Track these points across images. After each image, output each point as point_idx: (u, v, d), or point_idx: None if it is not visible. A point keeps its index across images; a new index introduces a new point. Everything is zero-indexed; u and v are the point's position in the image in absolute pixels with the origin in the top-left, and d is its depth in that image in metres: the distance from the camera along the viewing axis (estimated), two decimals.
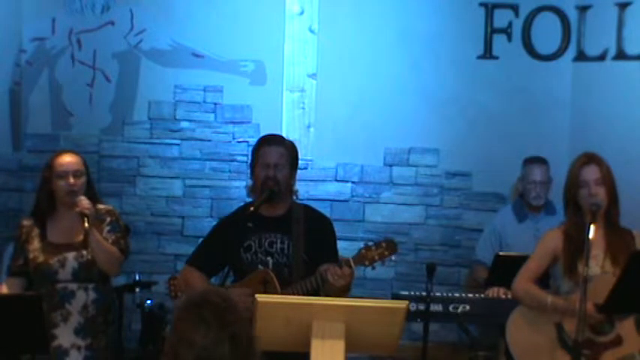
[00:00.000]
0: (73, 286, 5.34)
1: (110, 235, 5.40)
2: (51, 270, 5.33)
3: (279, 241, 5.42)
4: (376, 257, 5.23)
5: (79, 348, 5.33)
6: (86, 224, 5.23)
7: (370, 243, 5.31)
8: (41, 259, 5.36)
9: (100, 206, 5.47)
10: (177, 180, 7.79)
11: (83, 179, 5.39)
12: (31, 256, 5.39)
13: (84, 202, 5.27)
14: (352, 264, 5.20)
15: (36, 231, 5.43)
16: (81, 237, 5.34)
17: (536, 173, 6.71)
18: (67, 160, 5.41)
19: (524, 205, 6.79)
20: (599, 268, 5.20)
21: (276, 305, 4.55)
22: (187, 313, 3.10)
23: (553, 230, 5.40)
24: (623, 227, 5.30)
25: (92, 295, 5.37)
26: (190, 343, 3.04)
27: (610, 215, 5.24)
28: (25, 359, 5.41)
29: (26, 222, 5.50)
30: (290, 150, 5.50)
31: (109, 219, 5.44)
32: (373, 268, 5.28)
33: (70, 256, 5.35)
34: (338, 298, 4.88)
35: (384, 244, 5.26)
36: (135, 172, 7.78)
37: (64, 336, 5.31)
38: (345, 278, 5.18)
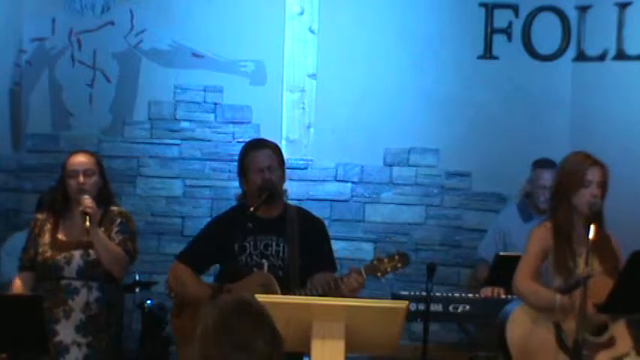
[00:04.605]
0: (77, 283, 5.35)
1: (118, 236, 5.41)
2: (57, 266, 5.35)
3: (274, 243, 5.42)
4: (389, 269, 5.27)
5: (79, 345, 5.33)
6: (87, 223, 5.24)
7: (383, 255, 5.35)
8: (48, 254, 5.38)
9: (114, 208, 5.49)
10: (178, 180, 7.79)
11: (94, 178, 5.41)
12: (40, 250, 5.42)
13: (87, 201, 5.28)
14: (364, 273, 5.22)
15: (48, 225, 5.46)
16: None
17: (546, 178, 6.65)
18: (79, 159, 5.44)
19: (530, 206, 6.77)
20: (589, 267, 5.20)
21: (276, 305, 4.54)
22: (243, 316, 2.99)
23: (540, 228, 5.37)
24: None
25: (95, 293, 5.37)
26: (251, 350, 2.93)
27: (601, 217, 5.25)
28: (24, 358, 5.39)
29: (40, 216, 5.54)
30: (276, 151, 5.50)
31: (119, 220, 5.45)
32: (385, 279, 5.31)
33: (77, 253, 5.36)
34: (338, 298, 4.88)
35: (397, 257, 5.29)
36: (135, 172, 7.78)
37: (65, 332, 5.31)
38: (357, 287, 5.20)
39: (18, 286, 5.46)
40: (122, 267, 5.42)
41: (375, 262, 5.28)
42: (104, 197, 5.43)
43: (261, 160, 5.41)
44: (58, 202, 5.47)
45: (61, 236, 5.43)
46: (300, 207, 5.68)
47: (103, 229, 5.37)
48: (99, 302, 5.37)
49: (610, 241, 5.29)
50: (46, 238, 5.44)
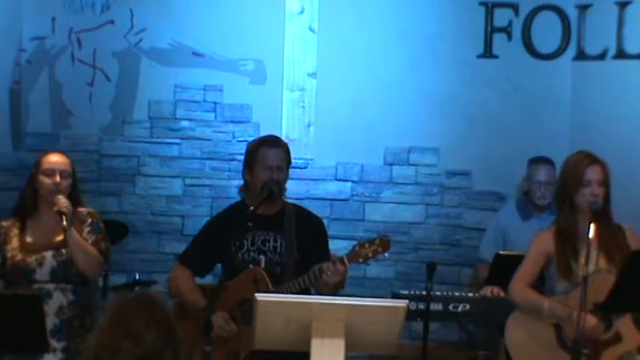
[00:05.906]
0: (50, 286, 5.25)
1: (90, 236, 5.32)
2: (28, 269, 5.25)
3: (272, 239, 5.44)
4: (370, 254, 5.24)
5: (54, 350, 5.23)
6: (64, 222, 5.16)
7: (363, 240, 5.33)
8: (19, 257, 5.28)
9: (81, 209, 5.39)
10: (178, 179, 7.78)
11: (69, 181, 5.33)
12: (9, 255, 5.31)
13: (62, 200, 5.20)
14: (346, 261, 5.22)
15: (15, 231, 5.35)
16: (61, 237, 5.25)
17: (541, 174, 6.70)
18: (56, 159, 5.36)
19: (529, 204, 6.78)
20: (594, 265, 5.20)
21: (276, 304, 4.55)
22: (139, 309, 3.07)
23: (544, 232, 5.38)
24: (613, 222, 5.31)
25: (70, 296, 5.28)
26: (138, 341, 3.02)
27: (605, 214, 5.24)
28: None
29: (5, 222, 5.43)
30: (287, 151, 5.54)
31: (89, 220, 5.36)
32: (367, 264, 5.30)
33: (49, 254, 5.26)
34: (338, 298, 4.89)
35: (377, 241, 5.27)
36: (135, 172, 7.78)
37: None
38: (339, 275, 5.20)
39: None
40: (96, 267, 5.34)
41: (357, 248, 5.27)
42: (74, 198, 5.35)
43: (272, 158, 5.43)
44: (27, 202, 5.39)
45: (30, 239, 5.34)
46: (299, 205, 5.70)
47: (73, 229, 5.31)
48: (73, 306, 5.29)
49: (622, 235, 5.28)
50: (14, 243, 5.33)
